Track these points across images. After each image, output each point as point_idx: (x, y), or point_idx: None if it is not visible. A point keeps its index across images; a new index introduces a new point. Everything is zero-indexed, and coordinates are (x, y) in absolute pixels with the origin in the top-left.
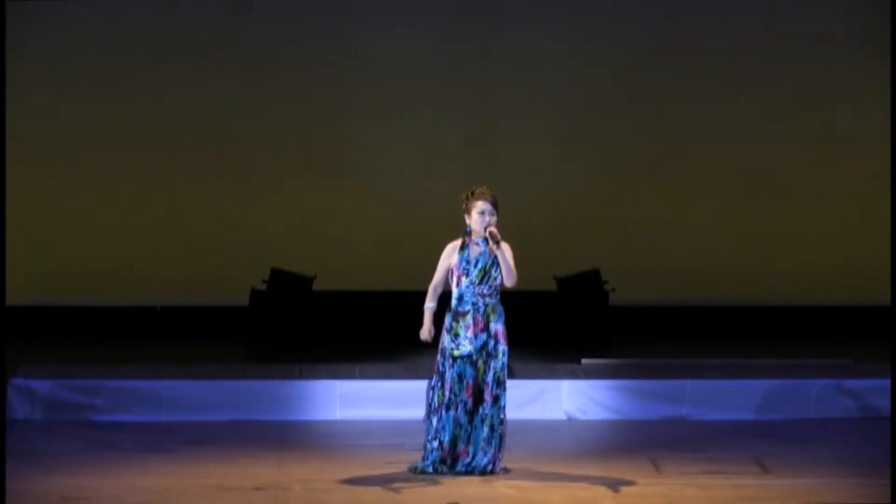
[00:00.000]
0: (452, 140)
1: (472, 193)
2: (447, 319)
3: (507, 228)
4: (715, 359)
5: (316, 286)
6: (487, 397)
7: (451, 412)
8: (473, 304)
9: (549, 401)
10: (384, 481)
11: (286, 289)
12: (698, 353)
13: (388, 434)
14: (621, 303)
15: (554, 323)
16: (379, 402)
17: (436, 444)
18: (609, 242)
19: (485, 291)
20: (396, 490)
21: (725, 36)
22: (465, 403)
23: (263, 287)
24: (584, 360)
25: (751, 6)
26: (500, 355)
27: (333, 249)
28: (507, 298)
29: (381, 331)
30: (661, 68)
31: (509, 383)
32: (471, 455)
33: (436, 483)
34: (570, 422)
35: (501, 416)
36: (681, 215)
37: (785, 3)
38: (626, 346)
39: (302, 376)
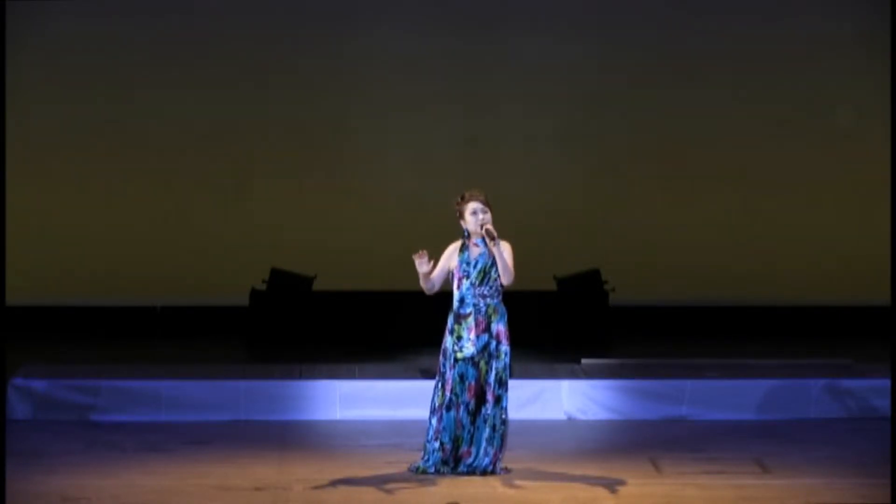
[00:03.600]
0: (452, 140)
1: (463, 197)
2: (450, 321)
3: (508, 228)
4: (715, 359)
5: (316, 286)
6: (489, 398)
7: (452, 413)
8: (475, 305)
9: (549, 401)
10: (384, 481)
11: (286, 289)
12: (698, 353)
13: (388, 434)
14: (621, 303)
15: (554, 323)
16: (379, 402)
17: (437, 444)
18: (609, 242)
19: (485, 292)
20: (396, 490)
21: (726, 36)
22: (468, 404)
23: (263, 287)
24: (584, 360)
25: (751, 6)
26: (503, 356)
27: (333, 249)
28: (507, 298)
29: (381, 331)
30: (661, 68)
31: (510, 383)
32: (473, 456)
33: (436, 483)
34: (570, 422)
35: (503, 416)
36: (681, 215)
37: (785, 4)
38: (626, 346)
39: (302, 376)
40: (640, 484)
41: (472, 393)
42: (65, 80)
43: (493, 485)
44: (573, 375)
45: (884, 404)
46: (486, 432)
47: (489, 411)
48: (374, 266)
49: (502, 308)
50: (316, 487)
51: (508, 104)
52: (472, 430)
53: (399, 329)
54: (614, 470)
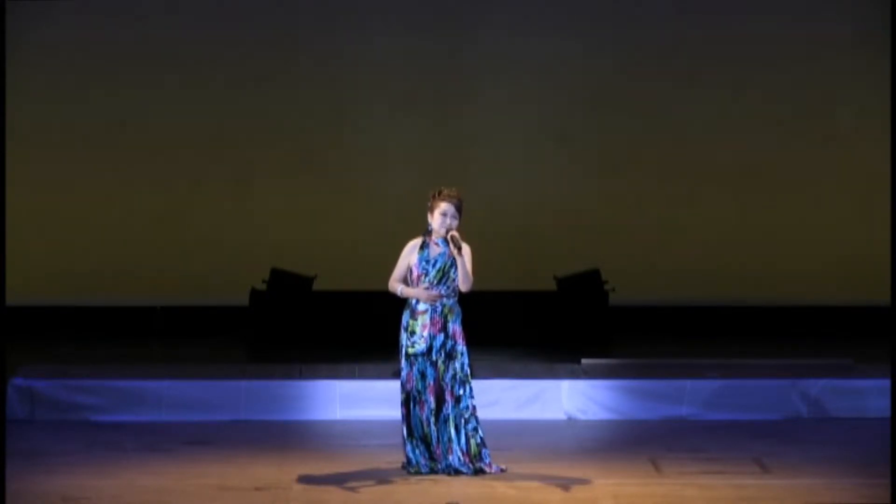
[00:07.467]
0: (452, 140)
1: (439, 193)
2: (405, 317)
3: (508, 228)
4: (715, 359)
5: (316, 286)
6: (448, 398)
7: (417, 410)
8: (431, 304)
9: (549, 401)
10: (383, 481)
11: (286, 289)
12: (698, 353)
13: (388, 434)
14: (621, 303)
15: (554, 323)
16: (379, 402)
17: (413, 443)
18: (609, 242)
19: (443, 292)
20: (396, 490)
21: (726, 36)
22: (429, 403)
23: (263, 287)
24: (584, 360)
25: (751, 6)
26: (459, 356)
27: (333, 249)
28: (507, 298)
29: (381, 331)
30: (661, 68)
31: (508, 383)
32: (442, 456)
33: (436, 483)
34: (570, 422)
35: (466, 415)
36: (681, 215)
37: (785, 4)
38: (626, 346)
39: (302, 376)
40: (640, 484)
41: (433, 392)
42: (63, 80)
43: (492, 485)
44: (573, 375)
45: (884, 404)
46: (450, 433)
47: (449, 411)
48: (374, 266)
49: (458, 308)
50: (316, 487)
51: (509, 104)
52: (436, 430)
53: (399, 329)
54: (614, 470)
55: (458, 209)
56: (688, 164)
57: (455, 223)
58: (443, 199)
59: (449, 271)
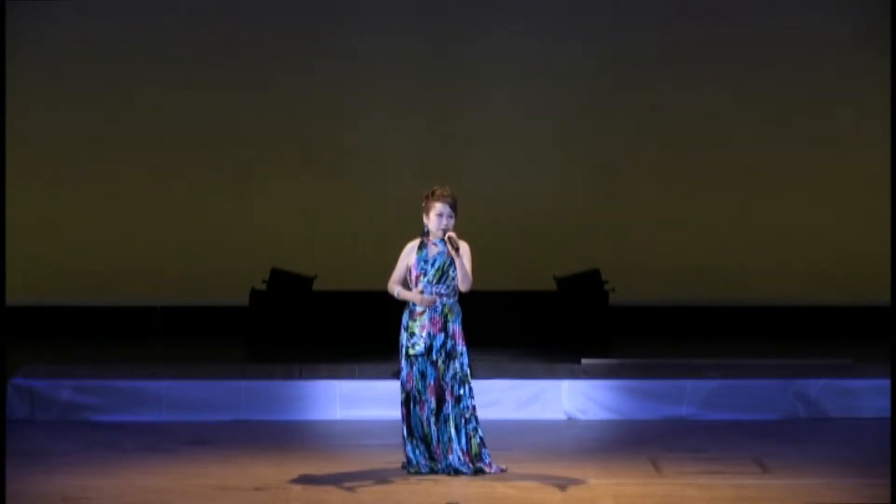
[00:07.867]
0: (452, 140)
1: (432, 194)
2: (404, 318)
3: (507, 229)
4: (715, 359)
5: (316, 286)
6: (448, 398)
7: (417, 410)
8: (428, 307)
9: (549, 401)
10: (383, 481)
11: (286, 289)
12: (698, 353)
13: (388, 434)
14: (621, 303)
15: (554, 323)
16: (379, 402)
17: (413, 442)
18: (609, 242)
19: (442, 291)
20: (396, 490)
21: (726, 36)
22: (429, 403)
23: (263, 287)
24: (584, 360)
25: (751, 6)
26: (459, 355)
27: (333, 249)
28: (507, 298)
29: (381, 331)
30: (661, 68)
31: (508, 383)
32: (442, 455)
33: (436, 483)
34: (570, 422)
35: (467, 415)
36: (680, 215)
37: (785, 4)
38: (626, 346)
39: (302, 376)
40: (640, 484)
41: (433, 392)
42: (65, 80)
43: (492, 485)
44: (573, 375)
45: (884, 404)
46: (450, 432)
47: (450, 411)
48: (374, 266)
49: (458, 308)
50: (316, 487)
51: (508, 104)
52: (436, 430)
53: (398, 329)
54: (614, 470)
55: (453, 208)
56: (688, 164)
57: (451, 222)
58: (437, 199)
59: (448, 270)
